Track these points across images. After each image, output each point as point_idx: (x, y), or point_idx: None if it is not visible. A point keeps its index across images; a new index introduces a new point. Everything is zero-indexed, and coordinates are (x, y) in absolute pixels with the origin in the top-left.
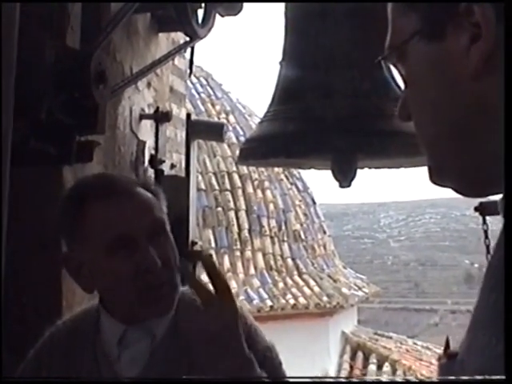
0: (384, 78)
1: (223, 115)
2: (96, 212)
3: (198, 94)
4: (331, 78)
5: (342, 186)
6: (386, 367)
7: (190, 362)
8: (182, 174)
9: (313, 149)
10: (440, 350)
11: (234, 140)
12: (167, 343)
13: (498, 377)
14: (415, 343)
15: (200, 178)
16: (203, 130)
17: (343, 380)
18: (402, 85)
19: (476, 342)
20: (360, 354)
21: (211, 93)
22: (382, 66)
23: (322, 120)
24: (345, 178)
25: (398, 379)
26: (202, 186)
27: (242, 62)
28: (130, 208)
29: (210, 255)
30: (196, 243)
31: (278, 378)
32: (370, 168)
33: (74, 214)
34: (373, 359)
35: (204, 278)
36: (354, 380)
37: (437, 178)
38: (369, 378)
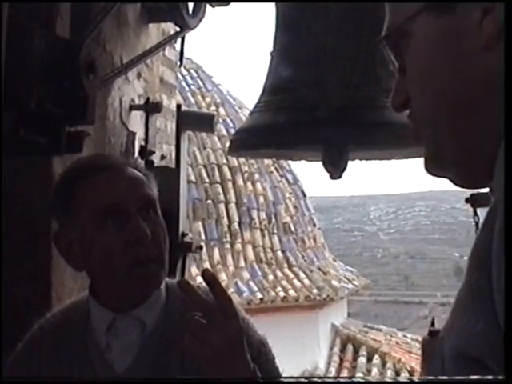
0: (376, 70)
1: (213, 107)
2: (88, 186)
3: (188, 86)
4: (322, 69)
5: (332, 178)
6: (376, 360)
7: (182, 351)
8: (172, 166)
9: (304, 140)
10: None
11: (224, 132)
12: (159, 333)
13: (499, 377)
14: (405, 336)
15: (190, 170)
16: (193, 121)
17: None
18: (395, 72)
19: (457, 321)
20: (350, 347)
21: (201, 85)
22: (373, 56)
23: (313, 111)
24: (336, 169)
25: (388, 372)
26: (192, 179)
27: (233, 53)
28: (122, 182)
29: (201, 246)
30: (186, 234)
31: (272, 374)
32: (361, 160)
33: (67, 190)
34: (363, 352)
35: (194, 270)
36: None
37: (433, 166)
38: (358, 372)
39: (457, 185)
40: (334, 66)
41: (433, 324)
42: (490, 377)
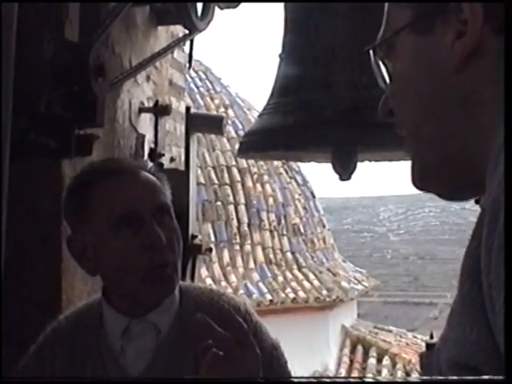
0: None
1: (222, 109)
2: (102, 191)
3: (197, 88)
4: (331, 71)
5: (342, 179)
6: (386, 361)
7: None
8: (182, 168)
9: (312, 141)
10: None
11: (233, 134)
12: (173, 337)
13: (499, 377)
14: (415, 337)
15: (199, 172)
16: (202, 124)
17: (352, 380)
18: (381, 83)
19: (452, 332)
20: (360, 348)
21: (210, 87)
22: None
23: (322, 113)
24: (345, 170)
25: (399, 373)
26: (202, 180)
27: (241, 55)
28: (136, 187)
29: (210, 249)
30: (196, 236)
31: (283, 378)
32: (370, 161)
33: (80, 194)
34: (373, 353)
35: (204, 272)
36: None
37: (418, 180)
38: (368, 373)
39: (443, 198)
40: (343, 67)
41: (432, 337)
42: (496, 377)
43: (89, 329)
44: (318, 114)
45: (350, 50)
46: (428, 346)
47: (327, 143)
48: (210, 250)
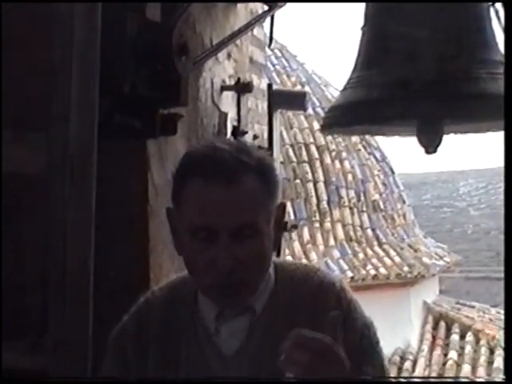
0: (470, 40)
1: (299, 87)
2: (193, 191)
3: (273, 65)
4: (415, 43)
5: (428, 152)
6: (469, 337)
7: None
8: (265, 145)
9: (398, 115)
10: None
11: (311, 111)
12: (267, 317)
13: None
14: (498, 312)
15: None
16: (285, 100)
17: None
18: None
19: None
20: (442, 324)
21: (286, 64)
22: (467, 26)
23: (407, 85)
24: (431, 143)
25: (482, 349)
26: (280, 158)
27: (317, 31)
28: (227, 198)
29: (296, 225)
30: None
31: (373, 358)
32: (456, 133)
33: (176, 186)
34: (455, 329)
35: (284, 250)
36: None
37: None
38: (452, 350)
39: None
40: (427, 39)
41: None
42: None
43: (184, 303)
44: (402, 86)
45: (434, 21)
46: None
47: (413, 116)
48: (296, 226)
